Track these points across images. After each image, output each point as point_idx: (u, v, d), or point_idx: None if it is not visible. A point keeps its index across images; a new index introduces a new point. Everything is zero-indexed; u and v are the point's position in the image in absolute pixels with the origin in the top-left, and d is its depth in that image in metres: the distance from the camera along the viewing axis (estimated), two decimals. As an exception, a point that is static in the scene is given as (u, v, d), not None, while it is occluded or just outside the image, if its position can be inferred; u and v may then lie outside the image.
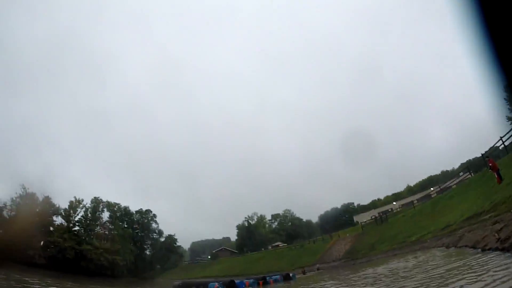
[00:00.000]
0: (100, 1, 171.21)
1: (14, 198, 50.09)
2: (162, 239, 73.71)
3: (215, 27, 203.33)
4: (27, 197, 50.59)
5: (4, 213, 48.51)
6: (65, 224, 55.59)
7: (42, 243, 48.41)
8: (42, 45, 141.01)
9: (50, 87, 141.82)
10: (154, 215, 74.89)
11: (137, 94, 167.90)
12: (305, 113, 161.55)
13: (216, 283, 29.04)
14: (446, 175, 66.87)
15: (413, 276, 10.00)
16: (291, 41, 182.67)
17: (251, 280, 29.99)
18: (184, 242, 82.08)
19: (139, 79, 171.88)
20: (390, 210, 52.47)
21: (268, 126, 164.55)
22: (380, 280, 11.52)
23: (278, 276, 31.39)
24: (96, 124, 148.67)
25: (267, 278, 30.73)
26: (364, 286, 11.62)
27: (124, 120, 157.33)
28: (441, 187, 44.52)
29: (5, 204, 49.06)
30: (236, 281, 29.30)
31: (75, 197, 59.91)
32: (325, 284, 15.97)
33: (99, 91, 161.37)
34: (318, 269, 38.89)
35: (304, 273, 37.86)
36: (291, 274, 32.07)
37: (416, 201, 47.11)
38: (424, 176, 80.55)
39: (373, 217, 54.52)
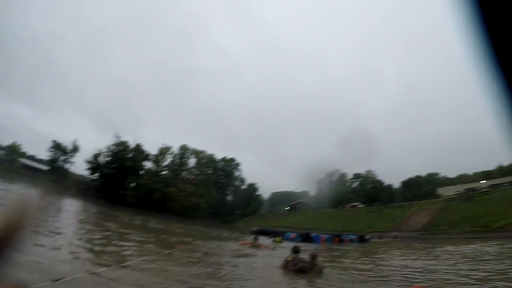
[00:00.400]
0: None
1: (109, 146, 56.82)
2: (244, 187, 76.98)
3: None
4: (120, 144, 56.75)
5: (100, 159, 55.61)
6: (154, 168, 61.36)
7: (133, 184, 54.42)
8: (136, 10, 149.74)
9: (144, 47, 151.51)
10: (238, 164, 78.19)
11: (226, 52, 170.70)
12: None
13: (293, 234, 29.37)
14: None
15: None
16: None
17: (327, 236, 29.78)
18: (264, 191, 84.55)
19: (228, 38, 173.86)
20: (477, 188, 45.74)
21: (359, 83, 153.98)
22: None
23: (353, 237, 30.87)
24: (188, 80, 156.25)
25: (343, 236, 30.09)
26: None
27: (213, 76, 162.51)
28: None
29: (100, 151, 56.10)
30: (312, 235, 29.26)
31: (164, 144, 65.31)
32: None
33: (189, 51, 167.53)
34: (395, 237, 36.76)
35: (380, 238, 36.14)
36: (366, 237, 31.39)
37: (507, 184, 40.40)
38: None
39: (458, 192, 48.68)
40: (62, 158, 58.80)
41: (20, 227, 0.66)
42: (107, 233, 13.21)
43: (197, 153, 73.47)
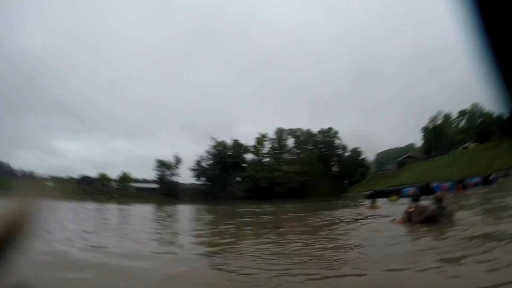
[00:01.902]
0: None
1: (208, 149, 61.78)
2: (347, 154, 75.21)
3: None
4: (218, 145, 61.14)
5: (203, 163, 60.87)
6: (256, 158, 64.51)
7: (238, 179, 58.36)
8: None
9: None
10: (336, 132, 76.49)
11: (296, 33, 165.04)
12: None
13: (411, 188, 28.41)
14: None
15: None
16: None
17: (449, 184, 28.02)
18: (369, 153, 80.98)
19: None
20: None
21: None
22: None
23: (478, 179, 28.53)
24: (264, 66, 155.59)
25: (466, 181, 28.13)
26: None
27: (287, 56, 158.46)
28: None
29: (202, 156, 61.42)
30: (433, 185, 27.75)
31: (259, 133, 67.97)
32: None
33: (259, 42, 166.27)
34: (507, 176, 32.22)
35: (507, 175, 32.00)
36: (492, 177, 28.37)
37: None
38: None
39: None
40: (168, 173, 65.42)
41: (18, 230, 0.83)
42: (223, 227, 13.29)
43: (293, 132, 74.37)
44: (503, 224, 6.81)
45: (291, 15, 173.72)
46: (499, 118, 67.89)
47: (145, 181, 79.02)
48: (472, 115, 67.79)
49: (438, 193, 8.25)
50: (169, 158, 66.76)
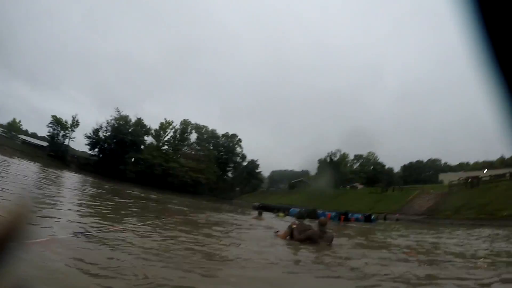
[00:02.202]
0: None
1: (109, 120, 56.26)
2: (245, 163, 76.76)
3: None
4: (121, 118, 56.16)
5: (100, 133, 55.10)
6: (155, 143, 61.10)
7: (133, 159, 54.30)
8: None
9: (148, 21, 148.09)
10: (240, 140, 77.64)
11: (225, 23, 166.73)
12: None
13: (299, 209, 28.86)
14: None
15: None
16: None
17: (333, 214, 29.17)
18: (264, 169, 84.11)
19: (227, 13, 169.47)
20: (480, 176, 44.96)
21: (360, 58, 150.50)
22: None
23: (360, 215, 30.32)
24: (190, 55, 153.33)
25: (349, 215, 29.77)
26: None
27: (213, 48, 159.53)
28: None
29: (100, 126, 55.55)
30: (318, 211, 28.81)
31: (165, 118, 64.86)
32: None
33: (192, 26, 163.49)
34: (397, 219, 36.47)
35: (384, 219, 35.84)
36: (372, 217, 30.64)
37: (508, 174, 39.69)
38: None
39: (462, 179, 48.07)
40: (62, 133, 57.85)
41: (18, 229, 0.72)
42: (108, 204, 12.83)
43: (198, 128, 73.11)
44: (371, 253, 7.76)
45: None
46: (389, 170, 79.12)
47: (35, 136, 69.00)
48: (367, 161, 76.46)
49: (323, 218, 9.11)
50: (67, 117, 59.22)
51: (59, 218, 6.62)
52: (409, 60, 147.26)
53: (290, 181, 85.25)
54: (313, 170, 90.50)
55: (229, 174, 75.97)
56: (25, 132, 75.28)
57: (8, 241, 0.62)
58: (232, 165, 76.14)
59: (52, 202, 9.37)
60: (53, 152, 55.21)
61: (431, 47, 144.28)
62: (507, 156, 70.73)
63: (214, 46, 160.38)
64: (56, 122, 57.28)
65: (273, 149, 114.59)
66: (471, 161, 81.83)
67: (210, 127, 75.01)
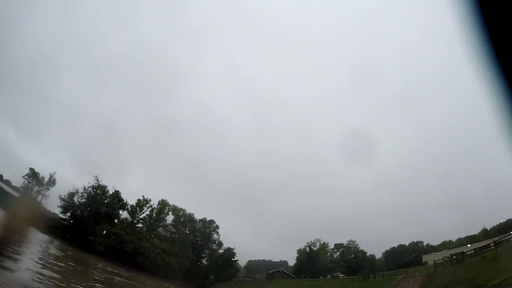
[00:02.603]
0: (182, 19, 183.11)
1: (86, 187, 54.33)
2: (221, 251, 73.42)
3: (292, 56, 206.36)
4: (98, 187, 54.33)
5: (75, 198, 52.65)
6: (130, 219, 58.27)
7: (104, 232, 50.97)
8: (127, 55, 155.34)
9: (137, 92, 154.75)
10: (217, 226, 75.61)
11: (211, 109, 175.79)
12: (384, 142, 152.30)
13: None
14: None
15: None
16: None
17: None
18: (241, 258, 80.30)
19: (214, 95, 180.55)
20: (464, 252, 45.06)
21: (337, 165, 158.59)
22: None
23: None
24: (170, 133, 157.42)
25: None
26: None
27: (196, 132, 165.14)
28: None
29: (77, 190, 53.46)
30: None
31: (143, 196, 63.07)
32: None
33: (174, 101, 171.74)
34: None
35: None
36: None
37: (492, 244, 40.10)
38: (503, 219, 70.72)
39: (446, 257, 47.71)
40: (36, 189, 55.42)
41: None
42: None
43: (176, 210, 71.24)
44: None
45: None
46: (370, 256, 77.43)
47: (8, 183, 64.28)
48: (347, 249, 74.62)
49: None
50: (44, 174, 57.20)
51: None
52: (389, 145, 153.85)
53: (268, 271, 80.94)
54: (291, 260, 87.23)
55: (204, 261, 71.71)
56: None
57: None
58: (207, 251, 72.57)
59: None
60: (23, 204, 50.72)
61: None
62: (489, 227, 71.38)
63: (198, 127, 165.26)
64: (33, 175, 54.82)
65: (250, 238, 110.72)
66: (454, 239, 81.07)
67: (188, 210, 73.04)
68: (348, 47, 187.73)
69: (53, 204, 55.84)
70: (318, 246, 79.19)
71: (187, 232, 70.38)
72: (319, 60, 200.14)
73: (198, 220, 74.31)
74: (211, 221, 75.81)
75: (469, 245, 57.14)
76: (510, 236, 40.97)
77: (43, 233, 38.39)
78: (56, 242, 33.58)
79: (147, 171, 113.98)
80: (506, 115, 0.67)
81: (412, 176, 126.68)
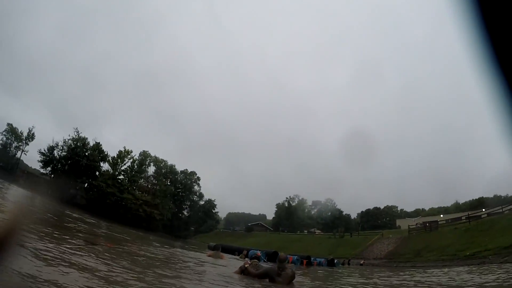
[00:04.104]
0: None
1: (66, 140, 52.87)
2: (202, 203, 74.64)
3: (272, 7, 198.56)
4: (79, 140, 52.88)
5: (55, 152, 51.29)
6: (111, 171, 57.66)
7: (86, 185, 50.53)
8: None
9: (116, 39, 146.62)
10: (198, 178, 76.24)
11: (186, 58, 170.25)
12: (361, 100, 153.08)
13: (258, 251, 27.17)
14: (499, 201, 59.29)
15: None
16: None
17: (295, 257, 27.89)
18: (221, 210, 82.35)
19: (188, 42, 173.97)
20: (437, 221, 47.36)
21: (321, 109, 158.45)
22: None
23: (323, 260, 29.57)
24: (149, 83, 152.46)
25: (312, 259, 28.69)
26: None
27: (174, 83, 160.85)
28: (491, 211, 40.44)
29: (57, 144, 51.94)
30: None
31: (124, 147, 61.97)
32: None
33: (148, 50, 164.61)
34: (362, 264, 36.09)
35: (348, 263, 35.28)
36: (335, 261, 30.11)
37: (464, 218, 42.14)
38: (475, 196, 74.30)
39: (420, 224, 50.16)
40: (15, 145, 53.71)
41: (11, 233, 0.74)
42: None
43: (157, 162, 70.85)
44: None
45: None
46: (346, 216, 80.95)
47: None
48: (324, 207, 77.51)
49: (282, 254, 8.11)
50: (23, 128, 55.03)
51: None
52: (367, 105, 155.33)
53: (247, 223, 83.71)
54: (270, 214, 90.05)
55: (185, 212, 73.13)
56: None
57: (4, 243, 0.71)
58: (188, 203, 73.74)
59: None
60: (3, 162, 50.59)
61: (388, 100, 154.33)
62: (461, 201, 75.74)
63: (177, 79, 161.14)
64: (11, 131, 52.91)
65: (230, 191, 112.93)
66: (426, 208, 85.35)
67: (169, 162, 72.74)
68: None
69: (33, 159, 54.55)
70: (296, 202, 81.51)
71: (169, 183, 70.46)
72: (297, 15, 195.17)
73: (179, 172, 74.55)
74: (192, 173, 76.30)
75: (441, 216, 60.01)
76: (482, 213, 42.99)
77: (24, 189, 37.69)
78: (35, 196, 32.84)
79: (126, 124, 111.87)
80: (497, 102, 0.69)
81: (389, 142, 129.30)
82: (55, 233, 8.03)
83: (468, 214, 41.99)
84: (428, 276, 14.77)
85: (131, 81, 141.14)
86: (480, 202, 66.81)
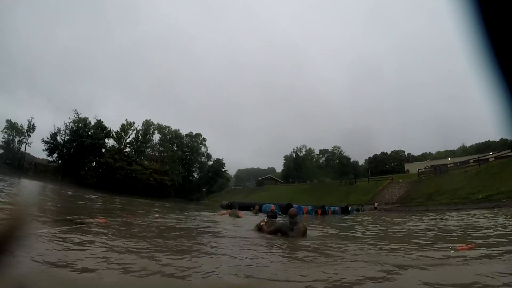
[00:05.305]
0: None
1: (68, 123, 53.76)
2: (210, 163, 76.22)
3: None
4: (80, 121, 53.68)
5: (58, 138, 52.40)
6: (117, 146, 59.03)
7: (94, 164, 52.12)
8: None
9: (92, 16, 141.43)
10: (204, 139, 77.38)
11: (174, 21, 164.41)
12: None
13: (272, 205, 27.87)
14: (505, 144, 58.70)
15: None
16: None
17: (309, 208, 28.67)
18: (230, 168, 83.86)
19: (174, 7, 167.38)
20: (446, 164, 47.24)
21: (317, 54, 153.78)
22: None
23: (337, 208, 30.06)
24: (136, 56, 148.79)
25: (326, 208, 29.63)
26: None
27: (162, 50, 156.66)
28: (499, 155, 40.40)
29: (58, 129, 52.90)
30: (294, 206, 28.00)
31: (126, 120, 62.85)
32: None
33: (136, 21, 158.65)
34: (376, 207, 37.12)
35: (362, 209, 36.05)
36: (349, 208, 30.71)
37: (472, 161, 42.05)
38: (482, 140, 74.81)
39: (429, 167, 50.33)
40: (18, 139, 54.81)
41: (15, 232, 0.73)
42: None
43: (161, 129, 71.77)
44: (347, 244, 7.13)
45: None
46: (354, 163, 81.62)
47: None
48: (332, 155, 78.16)
49: (292, 209, 8.40)
50: (22, 122, 55.72)
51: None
52: (373, 48, 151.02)
53: (257, 178, 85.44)
54: (279, 167, 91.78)
55: (195, 175, 75.15)
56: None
57: (7, 242, 0.69)
58: (197, 165, 75.47)
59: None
60: (9, 159, 51.92)
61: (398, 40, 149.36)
62: (467, 144, 76.05)
63: (163, 45, 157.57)
64: (11, 126, 53.90)
65: (236, 148, 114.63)
66: (433, 152, 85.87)
67: (173, 128, 73.61)
68: None
69: (38, 149, 55.75)
70: (304, 152, 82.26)
71: (175, 148, 71.85)
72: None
73: (184, 136, 75.63)
74: (198, 135, 77.35)
75: (449, 159, 60.20)
76: (489, 156, 42.72)
77: (35, 180, 39.32)
78: (49, 186, 34.40)
79: (123, 99, 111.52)
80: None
81: (395, 87, 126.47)
82: (69, 217, 8.49)
83: (478, 157, 41.89)
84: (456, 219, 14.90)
85: (120, 55, 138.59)
86: (486, 145, 66.69)
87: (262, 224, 8.46)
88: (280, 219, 9.70)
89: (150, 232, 7.46)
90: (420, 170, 49.55)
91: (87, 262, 3.75)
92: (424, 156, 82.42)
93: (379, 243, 7.60)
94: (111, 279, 3.34)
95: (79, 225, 7.05)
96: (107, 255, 4.22)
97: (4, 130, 54.14)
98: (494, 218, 13.67)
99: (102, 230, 6.48)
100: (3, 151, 53.39)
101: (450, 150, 79.47)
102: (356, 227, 13.32)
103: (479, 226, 11.16)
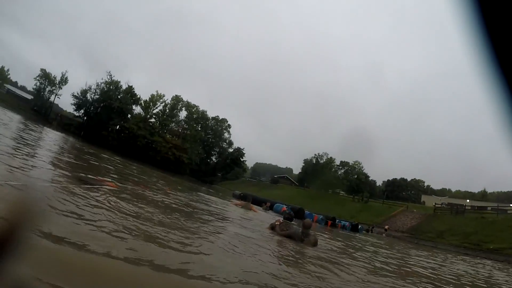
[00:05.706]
0: None
1: (99, 83, 54.39)
2: (231, 150, 75.81)
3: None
4: (112, 83, 54.17)
5: (88, 95, 53.06)
6: (143, 114, 59.36)
7: (117, 127, 52.50)
8: None
9: None
10: (229, 125, 76.97)
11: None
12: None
13: (284, 206, 27.55)
14: None
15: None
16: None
17: (320, 217, 28.36)
18: (248, 159, 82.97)
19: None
20: (464, 205, 45.33)
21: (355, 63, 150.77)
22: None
23: (347, 223, 29.88)
24: (173, 27, 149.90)
25: (337, 221, 29.06)
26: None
27: (200, 25, 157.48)
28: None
29: (90, 87, 53.54)
30: (306, 212, 27.75)
31: (157, 91, 63.06)
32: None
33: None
34: (386, 230, 36.47)
35: (371, 231, 35.44)
36: (359, 226, 30.36)
37: (490, 209, 40.10)
38: (504, 189, 71.49)
39: (446, 204, 48.58)
40: (49, 89, 55.93)
41: (19, 228, 0.74)
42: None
43: (189, 107, 71.66)
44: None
45: None
46: (372, 182, 79.34)
47: (24, 89, 66.55)
48: (351, 169, 76.09)
49: (307, 220, 8.67)
50: (56, 73, 57.01)
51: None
52: (407, 66, 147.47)
53: (273, 175, 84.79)
54: (296, 169, 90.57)
55: (213, 158, 74.95)
56: (15, 84, 73.06)
57: (9, 241, 0.73)
58: (217, 149, 75.15)
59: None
60: (37, 107, 53.01)
61: (431, 57, 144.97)
62: (489, 190, 72.49)
63: (201, 20, 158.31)
64: (44, 76, 55.22)
65: (259, 141, 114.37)
66: (453, 189, 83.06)
67: (201, 108, 73.53)
68: None
69: (66, 102, 56.92)
70: (324, 160, 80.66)
71: (199, 129, 71.74)
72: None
73: (210, 118, 75.37)
74: (224, 120, 76.95)
75: (467, 201, 57.73)
76: (510, 208, 40.51)
77: (58, 131, 39.96)
78: (70, 139, 34.89)
79: (156, 69, 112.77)
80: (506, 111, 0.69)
81: (424, 114, 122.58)
82: (82, 174, 8.45)
83: (498, 206, 40.14)
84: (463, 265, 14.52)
85: (155, 24, 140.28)
86: (507, 196, 63.56)
87: (276, 223, 8.68)
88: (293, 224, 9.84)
89: (159, 208, 7.24)
90: (436, 205, 48.09)
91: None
92: (443, 192, 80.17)
93: (388, 274, 7.03)
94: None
95: (89, 186, 6.82)
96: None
97: (38, 78, 55.71)
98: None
99: (111, 198, 6.28)
100: (32, 97, 54.73)
101: (470, 192, 76.55)
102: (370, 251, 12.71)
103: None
